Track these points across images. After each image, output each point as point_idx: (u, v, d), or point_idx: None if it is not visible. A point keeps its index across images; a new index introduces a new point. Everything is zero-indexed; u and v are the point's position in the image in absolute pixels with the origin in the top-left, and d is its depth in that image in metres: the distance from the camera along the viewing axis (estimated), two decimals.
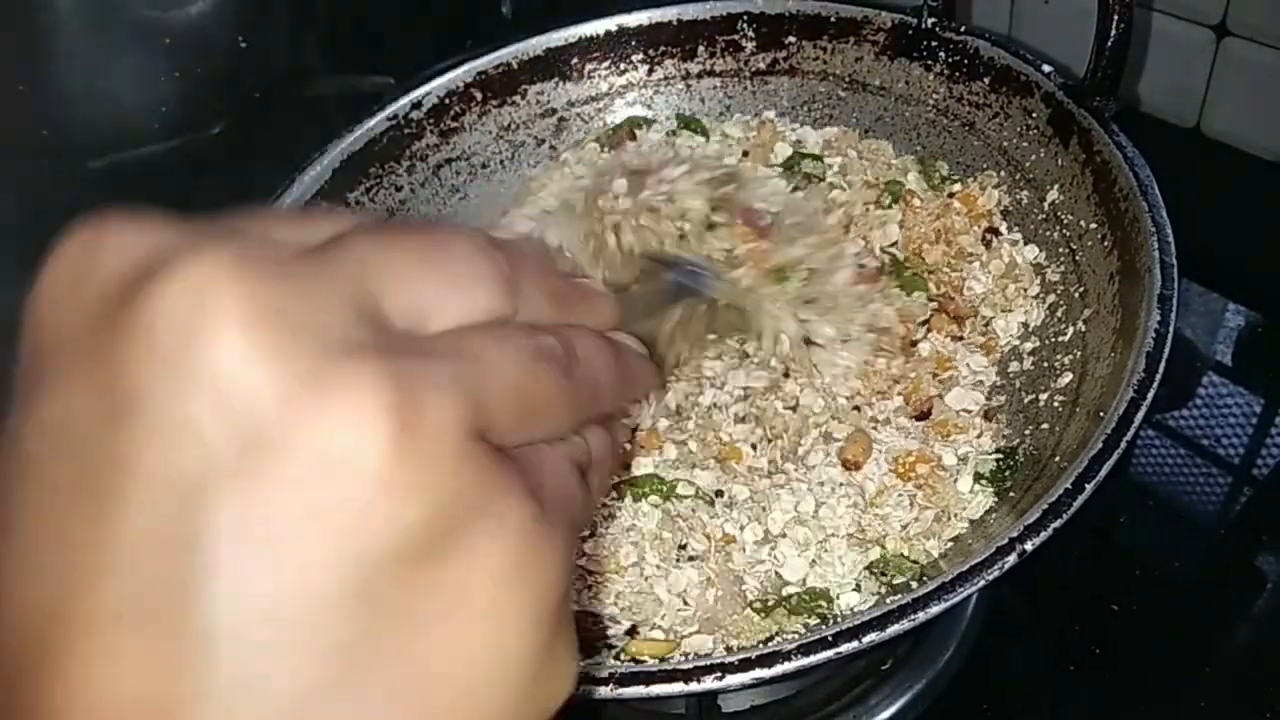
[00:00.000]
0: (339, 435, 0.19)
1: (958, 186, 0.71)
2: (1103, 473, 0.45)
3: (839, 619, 0.52)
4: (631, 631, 0.54)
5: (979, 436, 0.60)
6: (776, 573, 0.55)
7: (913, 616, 0.42)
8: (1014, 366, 0.63)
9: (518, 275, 0.25)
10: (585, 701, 0.43)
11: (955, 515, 0.56)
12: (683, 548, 0.56)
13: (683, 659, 0.48)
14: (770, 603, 0.53)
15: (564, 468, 0.26)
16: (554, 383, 0.25)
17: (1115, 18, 0.58)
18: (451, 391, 0.20)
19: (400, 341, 0.21)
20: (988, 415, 0.61)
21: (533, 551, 0.22)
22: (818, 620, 0.52)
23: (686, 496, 0.58)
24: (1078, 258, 0.63)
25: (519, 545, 0.21)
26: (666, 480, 0.59)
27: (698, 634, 0.53)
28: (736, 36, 0.80)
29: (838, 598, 0.54)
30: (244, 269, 0.19)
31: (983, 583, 0.43)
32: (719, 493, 0.59)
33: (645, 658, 0.52)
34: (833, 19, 0.77)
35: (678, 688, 0.42)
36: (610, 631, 0.54)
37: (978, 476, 0.57)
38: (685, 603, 0.54)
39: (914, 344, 0.65)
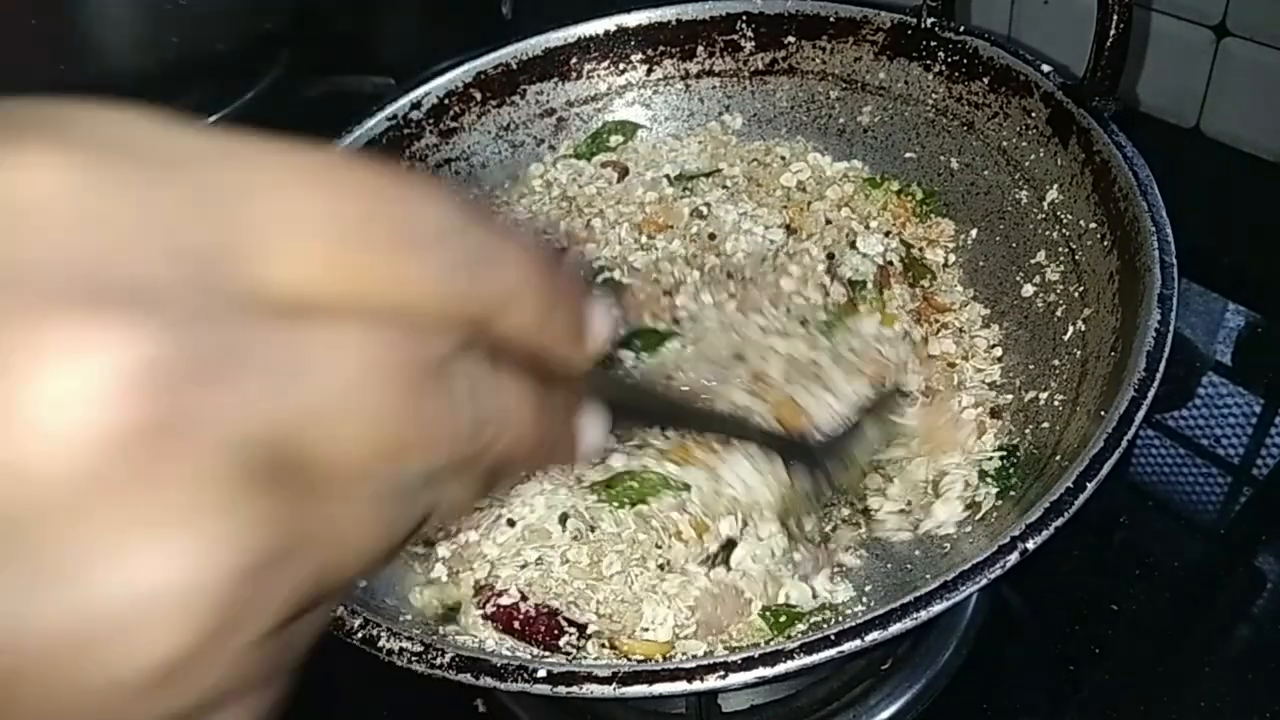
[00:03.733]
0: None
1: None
2: (1104, 471, 0.45)
3: (844, 617, 0.52)
4: (588, 635, 0.54)
5: (982, 435, 0.60)
6: (782, 589, 0.55)
7: (915, 615, 0.42)
8: (1015, 362, 0.64)
9: (494, 279, 0.19)
10: (585, 699, 0.43)
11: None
12: (662, 567, 0.56)
13: (684, 658, 0.48)
14: (782, 619, 0.53)
15: (375, 510, 0.19)
16: (436, 420, 0.18)
17: (1115, 17, 0.58)
18: (240, 385, 0.16)
19: (231, 313, 0.16)
20: (994, 413, 0.61)
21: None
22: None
23: (666, 491, 0.58)
24: (1077, 257, 0.63)
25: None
26: (639, 476, 0.59)
27: (693, 638, 0.54)
28: (736, 36, 0.80)
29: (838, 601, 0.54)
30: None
31: (984, 581, 0.43)
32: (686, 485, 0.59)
33: (638, 655, 0.52)
34: (832, 19, 0.77)
35: (680, 686, 0.41)
36: (563, 640, 0.54)
37: (982, 474, 0.58)
38: (684, 610, 0.55)
39: (924, 341, 0.66)
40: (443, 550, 0.59)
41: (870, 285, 0.69)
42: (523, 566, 0.57)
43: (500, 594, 0.56)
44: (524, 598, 0.55)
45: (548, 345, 0.21)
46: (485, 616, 0.55)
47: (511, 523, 0.58)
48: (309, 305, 0.17)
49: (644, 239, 0.76)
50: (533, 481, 0.60)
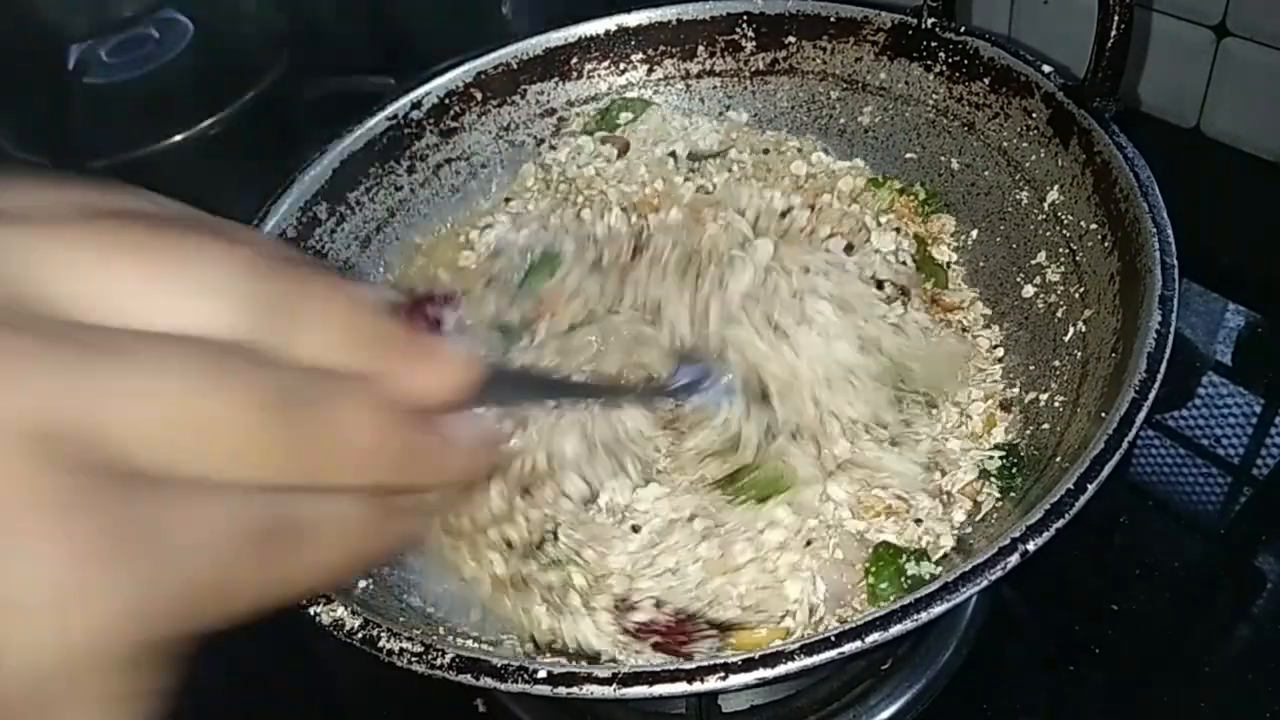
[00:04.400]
0: None
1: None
2: (1105, 473, 0.45)
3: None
4: (729, 628, 0.53)
5: (991, 430, 0.60)
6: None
7: (915, 616, 0.42)
8: (1015, 363, 0.64)
9: (292, 302, 0.22)
10: (586, 700, 0.43)
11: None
12: (810, 543, 0.56)
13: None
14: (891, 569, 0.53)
15: (215, 523, 0.20)
16: (248, 420, 0.20)
17: (1115, 18, 0.58)
18: (42, 376, 0.18)
19: (27, 321, 0.19)
20: (1004, 406, 0.61)
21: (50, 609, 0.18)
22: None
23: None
24: (1078, 258, 0.63)
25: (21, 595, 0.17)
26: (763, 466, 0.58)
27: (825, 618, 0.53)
28: (736, 36, 0.80)
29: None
30: None
31: (985, 582, 0.43)
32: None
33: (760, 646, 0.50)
34: (832, 19, 0.77)
35: (680, 687, 0.41)
36: (706, 644, 0.52)
37: (984, 473, 0.58)
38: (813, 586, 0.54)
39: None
40: (579, 579, 0.55)
41: (892, 288, 0.67)
42: (659, 575, 0.55)
43: (635, 608, 0.53)
44: (659, 605, 0.53)
45: (383, 376, 0.24)
46: (626, 632, 0.53)
47: (636, 528, 0.57)
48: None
49: (634, 219, 0.74)
50: (654, 486, 0.59)
